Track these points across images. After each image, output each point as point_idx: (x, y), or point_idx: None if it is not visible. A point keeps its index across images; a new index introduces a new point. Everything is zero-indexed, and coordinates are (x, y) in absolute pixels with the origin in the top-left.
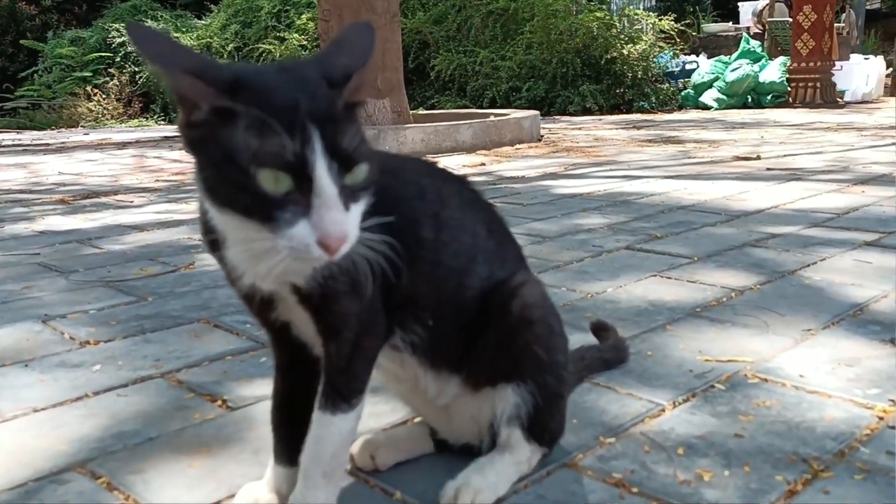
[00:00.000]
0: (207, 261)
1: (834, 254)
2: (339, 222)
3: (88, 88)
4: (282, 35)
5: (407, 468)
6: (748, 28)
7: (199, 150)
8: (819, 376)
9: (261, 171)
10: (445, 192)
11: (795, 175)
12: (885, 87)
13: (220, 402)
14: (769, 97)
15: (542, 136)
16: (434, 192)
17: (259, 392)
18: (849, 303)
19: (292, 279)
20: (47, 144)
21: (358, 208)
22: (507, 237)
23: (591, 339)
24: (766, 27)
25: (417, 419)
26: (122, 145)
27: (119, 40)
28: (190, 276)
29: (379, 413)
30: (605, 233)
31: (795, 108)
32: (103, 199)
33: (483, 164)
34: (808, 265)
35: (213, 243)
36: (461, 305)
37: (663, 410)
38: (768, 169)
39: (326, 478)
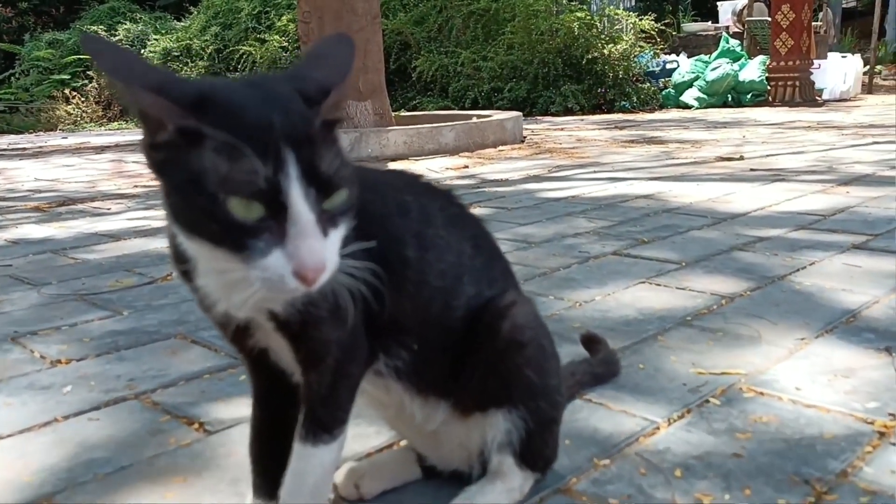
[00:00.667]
0: None
1: (822, 258)
2: (316, 251)
3: (67, 91)
4: (262, 37)
5: (393, 496)
6: (727, 27)
7: (165, 174)
8: (816, 389)
9: (230, 199)
10: (429, 208)
11: (779, 176)
12: (862, 85)
13: (196, 426)
14: (749, 96)
15: (524, 137)
16: (417, 209)
17: (237, 413)
18: (841, 309)
19: (269, 306)
20: (24, 149)
21: (338, 234)
22: (496, 254)
23: (580, 352)
24: (746, 26)
25: (403, 443)
26: (101, 149)
27: None
28: (167, 287)
29: (363, 436)
30: (592, 238)
31: (775, 106)
32: (80, 207)
33: (466, 167)
34: (798, 270)
35: (185, 273)
36: (448, 328)
37: (658, 428)
38: (752, 170)
39: None
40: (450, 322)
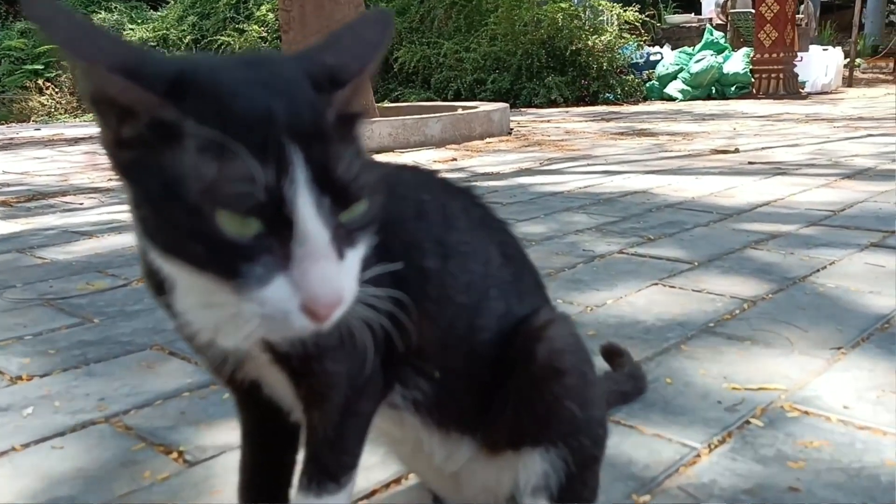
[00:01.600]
0: None
1: (841, 256)
2: (331, 278)
3: (40, 82)
4: (241, 27)
5: None
6: (711, 19)
7: (134, 178)
8: (865, 407)
9: (219, 212)
10: (450, 209)
11: (779, 169)
12: (843, 78)
13: (175, 455)
14: (733, 88)
15: (511, 129)
16: (437, 211)
17: (221, 440)
18: (873, 315)
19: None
20: None
21: (356, 255)
22: (525, 263)
23: (600, 364)
24: (729, 18)
25: (413, 476)
26: (74, 141)
27: None
28: (142, 291)
29: (365, 467)
30: (594, 235)
31: (759, 99)
32: (50, 201)
33: (454, 160)
34: (818, 270)
35: (159, 286)
36: (474, 352)
37: (699, 456)
38: (750, 163)
39: None
40: (476, 345)
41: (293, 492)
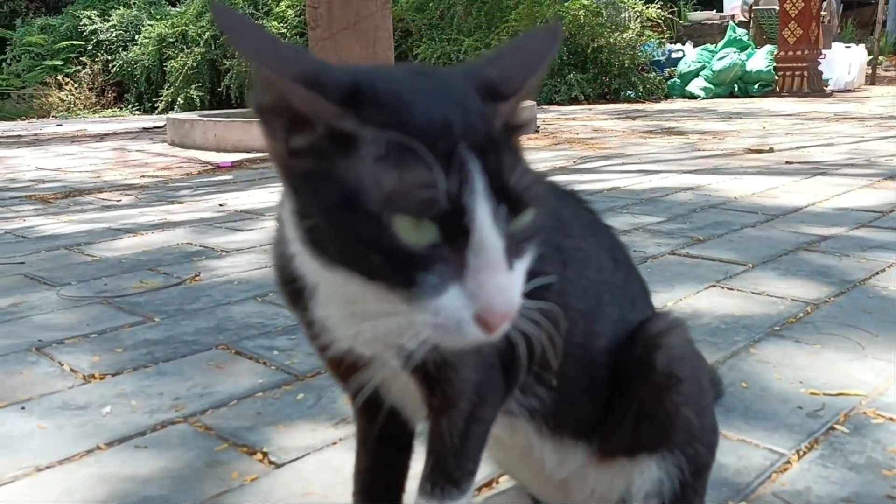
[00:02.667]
0: (214, 271)
1: None
2: (506, 289)
3: (60, 77)
4: (260, 23)
5: None
6: (734, 16)
7: (304, 188)
8: None
9: (398, 218)
10: (563, 214)
11: (818, 169)
12: (865, 76)
13: (259, 456)
14: (756, 86)
15: (538, 127)
16: (555, 217)
17: (304, 442)
18: None
19: (402, 342)
20: (20, 136)
21: (523, 265)
22: (632, 268)
23: None
24: (753, 15)
25: (506, 478)
26: (100, 137)
27: (91, 28)
28: (198, 289)
29: None
30: (642, 235)
31: (783, 96)
32: (87, 198)
33: None
34: (877, 273)
35: (296, 295)
36: (590, 358)
37: (789, 463)
38: (787, 162)
39: None
40: (592, 352)
41: (413, 497)
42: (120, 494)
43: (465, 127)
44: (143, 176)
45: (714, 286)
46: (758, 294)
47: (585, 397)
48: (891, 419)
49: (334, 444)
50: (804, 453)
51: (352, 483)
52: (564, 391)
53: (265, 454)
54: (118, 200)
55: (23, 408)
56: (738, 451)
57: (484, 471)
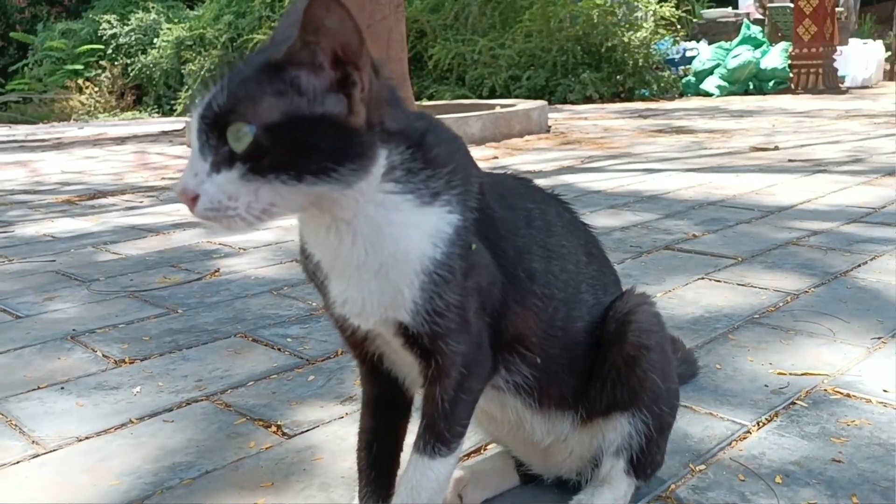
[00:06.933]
0: (233, 267)
1: (881, 252)
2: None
3: (80, 81)
4: (276, 25)
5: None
6: (748, 14)
7: None
8: None
9: None
10: (548, 215)
11: (819, 167)
12: (883, 72)
13: (274, 428)
14: (771, 84)
15: (549, 126)
16: (540, 217)
17: (313, 416)
18: None
19: (396, 315)
20: (43, 140)
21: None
22: (605, 260)
23: None
24: (767, 13)
25: (493, 447)
26: (121, 140)
27: (110, 32)
28: (217, 284)
29: None
30: (640, 231)
31: (798, 94)
32: (111, 200)
33: (496, 158)
34: (859, 266)
35: (314, 272)
36: (570, 338)
37: (749, 432)
38: (790, 160)
39: None
40: (573, 333)
41: (412, 454)
42: (151, 459)
43: None
44: (164, 178)
45: (703, 278)
46: (743, 285)
47: (568, 372)
48: (848, 395)
49: (341, 418)
50: (763, 424)
51: (356, 441)
52: (549, 368)
53: (279, 427)
54: (140, 202)
55: (62, 388)
56: (704, 422)
57: (473, 439)
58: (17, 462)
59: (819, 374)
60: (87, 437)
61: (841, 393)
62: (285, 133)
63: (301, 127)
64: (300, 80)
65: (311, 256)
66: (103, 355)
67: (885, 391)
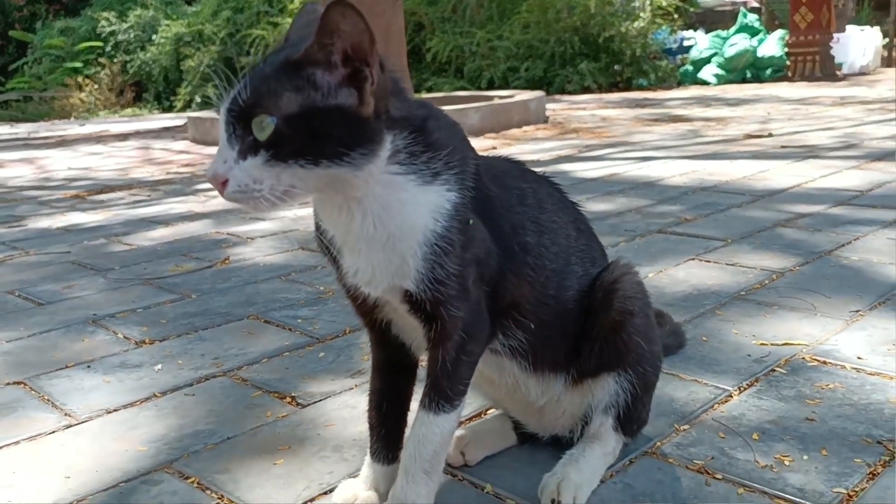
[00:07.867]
0: (242, 255)
1: (866, 233)
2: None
3: (80, 79)
4: (275, 20)
5: (493, 461)
6: (745, 2)
7: None
8: (877, 358)
9: None
10: (541, 193)
11: (811, 152)
12: (881, 59)
13: (289, 399)
14: (768, 71)
15: (547, 117)
16: (532, 196)
17: (325, 388)
18: (891, 283)
19: (402, 283)
20: (46, 138)
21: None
22: (592, 235)
23: None
24: (764, 1)
25: (493, 411)
26: (124, 137)
27: (109, 29)
28: (228, 271)
29: None
30: (635, 216)
31: (795, 81)
32: (119, 194)
33: (494, 148)
34: (844, 245)
35: (326, 246)
36: (562, 306)
37: (730, 396)
38: (783, 147)
39: (427, 475)
40: (564, 301)
41: (418, 411)
42: (176, 428)
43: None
44: (169, 172)
45: (693, 259)
46: (731, 265)
47: (560, 337)
48: (824, 362)
49: (350, 389)
50: (744, 389)
51: (367, 403)
52: (543, 332)
53: (293, 398)
54: (148, 196)
55: (88, 366)
56: (689, 388)
57: (474, 405)
58: (53, 432)
59: (799, 344)
60: (115, 410)
61: (818, 360)
62: (303, 123)
63: (317, 118)
64: (316, 77)
65: (326, 232)
66: (124, 337)
67: (859, 358)
